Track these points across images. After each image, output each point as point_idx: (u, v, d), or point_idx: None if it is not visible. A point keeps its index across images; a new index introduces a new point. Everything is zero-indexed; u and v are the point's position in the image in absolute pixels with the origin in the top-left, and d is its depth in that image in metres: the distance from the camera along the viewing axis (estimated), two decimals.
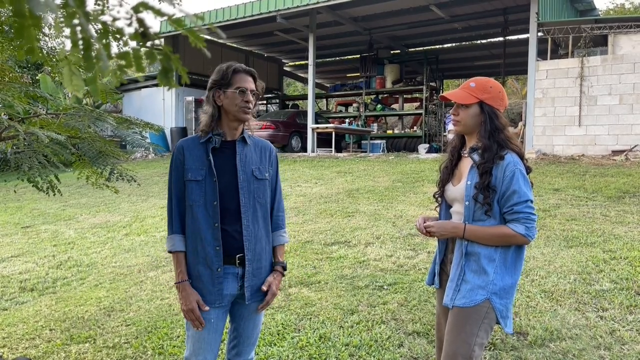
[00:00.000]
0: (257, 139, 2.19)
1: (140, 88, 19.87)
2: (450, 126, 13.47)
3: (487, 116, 2.05)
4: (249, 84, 2.06)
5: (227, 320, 2.19)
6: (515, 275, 2.03)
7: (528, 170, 2.05)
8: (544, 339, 3.18)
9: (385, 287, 4.21)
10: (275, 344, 3.32)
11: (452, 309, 2.04)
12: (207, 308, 2.01)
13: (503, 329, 2.06)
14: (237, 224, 2.05)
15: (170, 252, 2.06)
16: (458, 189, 2.12)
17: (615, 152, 10.17)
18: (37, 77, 18.67)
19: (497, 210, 2.00)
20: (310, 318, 3.68)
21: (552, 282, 4.05)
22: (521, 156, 2.06)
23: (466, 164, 2.14)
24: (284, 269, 2.23)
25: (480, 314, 1.99)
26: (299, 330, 3.51)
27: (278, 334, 3.45)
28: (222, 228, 2.03)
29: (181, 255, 2.04)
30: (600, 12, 17.59)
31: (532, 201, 1.98)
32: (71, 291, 4.89)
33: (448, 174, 2.20)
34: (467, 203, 2.04)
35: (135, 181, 2.54)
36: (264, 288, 2.11)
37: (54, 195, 2.46)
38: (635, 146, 10.02)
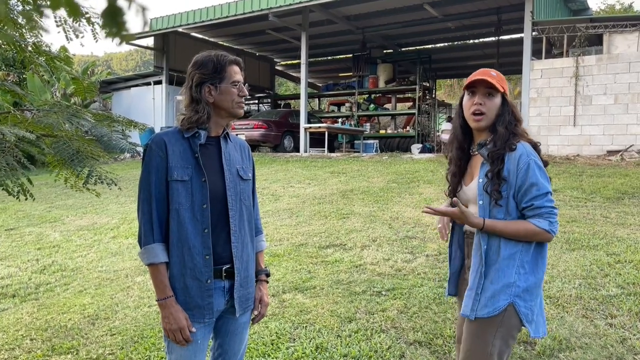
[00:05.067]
0: (233, 136, 2.01)
1: (129, 87, 19.57)
2: (444, 136, 13.27)
3: (509, 107, 1.92)
4: (240, 75, 1.91)
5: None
6: (538, 275, 1.89)
7: (545, 164, 1.90)
8: (553, 348, 3.02)
9: (383, 292, 4.04)
10: (269, 355, 3.13)
11: (473, 320, 1.88)
12: (194, 329, 1.81)
13: (529, 334, 1.90)
14: (224, 229, 1.86)
15: (150, 264, 1.78)
16: (470, 189, 1.97)
17: (611, 152, 10.10)
18: (24, 76, 18.32)
19: (513, 206, 1.86)
20: (306, 326, 3.50)
21: (557, 287, 3.91)
22: (536, 148, 1.92)
23: (477, 161, 1.99)
24: (268, 276, 2.08)
25: (495, 322, 1.85)
26: (294, 339, 3.33)
27: (272, 344, 3.27)
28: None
29: (163, 267, 1.80)
30: (592, 12, 17.60)
31: (551, 193, 1.85)
32: (54, 297, 4.67)
33: (457, 182, 2.03)
34: (480, 202, 1.89)
35: (115, 184, 2.33)
36: (255, 312, 2.00)
37: (26, 199, 2.26)
38: (631, 146, 9.96)
